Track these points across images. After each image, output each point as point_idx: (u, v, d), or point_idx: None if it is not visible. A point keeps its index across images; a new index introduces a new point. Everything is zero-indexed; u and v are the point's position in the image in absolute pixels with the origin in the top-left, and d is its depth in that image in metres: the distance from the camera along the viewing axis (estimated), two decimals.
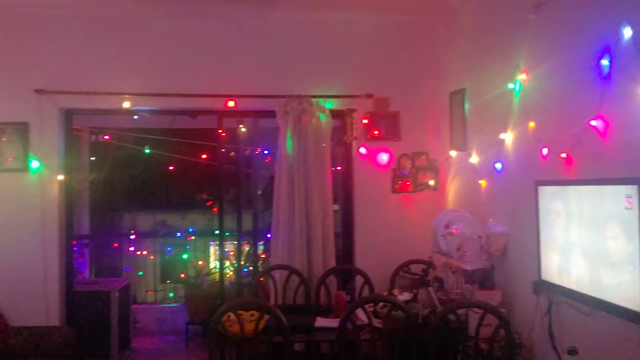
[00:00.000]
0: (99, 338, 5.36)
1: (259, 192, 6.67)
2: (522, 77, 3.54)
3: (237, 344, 3.43)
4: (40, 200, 4.59)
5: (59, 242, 4.65)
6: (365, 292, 4.49)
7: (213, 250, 7.47)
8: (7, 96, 4.57)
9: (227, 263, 6.41)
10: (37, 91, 4.54)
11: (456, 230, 3.88)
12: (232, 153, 5.90)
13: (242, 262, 5.57)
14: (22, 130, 4.57)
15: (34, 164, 4.58)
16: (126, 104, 4.67)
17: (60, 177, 4.66)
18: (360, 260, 4.86)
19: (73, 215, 5.11)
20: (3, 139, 4.59)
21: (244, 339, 3.33)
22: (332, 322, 3.64)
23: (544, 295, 3.20)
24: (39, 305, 4.57)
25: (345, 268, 4.86)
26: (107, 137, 6.30)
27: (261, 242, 6.73)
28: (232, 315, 3.31)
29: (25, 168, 4.58)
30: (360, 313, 3.60)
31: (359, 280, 4.61)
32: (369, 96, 4.88)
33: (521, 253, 3.57)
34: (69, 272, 4.85)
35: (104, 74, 4.67)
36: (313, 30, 4.91)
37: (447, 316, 3.29)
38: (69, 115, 4.81)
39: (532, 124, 3.40)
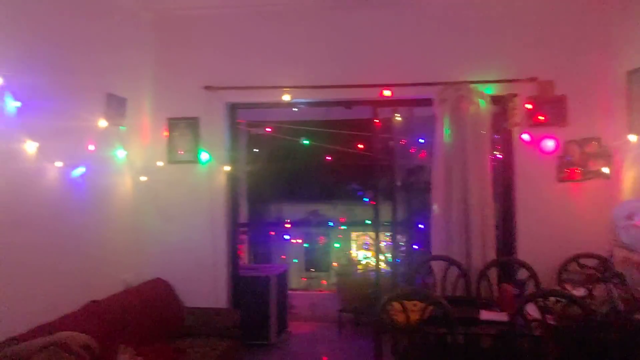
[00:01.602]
0: (259, 321, 5.64)
1: (398, 184, 6.56)
2: None
3: (402, 333, 3.41)
4: (208, 190, 4.90)
5: (225, 229, 4.96)
6: (530, 286, 4.26)
7: (359, 239, 7.53)
8: (180, 94, 4.93)
9: (372, 254, 6.42)
10: (206, 88, 4.85)
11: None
12: (391, 142, 5.88)
13: (393, 253, 5.55)
14: (193, 124, 4.91)
15: (204, 155, 4.90)
16: (286, 97, 4.83)
17: (227, 168, 4.94)
18: (523, 253, 4.62)
19: (238, 204, 5.41)
20: (175, 133, 4.95)
21: (408, 328, 3.30)
22: (500, 316, 3.49)
23: None
24: (209, 289, 4.90)
25: (508, 260, 4.64)
26: (268, 129, 6.58)
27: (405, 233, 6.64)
28: (397, 304, 3.30)
29: (196, 160, 4.91)
30: (530, 308, 3.42)
31: (521, 273, 4.38)
32: (532, 80, 4.61)
33: None
34: (234, 258, 5.14)
35: (266, 69, 4.87)
36: (470, 12, 4.73)
37: (632, 316, 3.01)
38: (234, 109, 5.08)
39: None
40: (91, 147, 4.08)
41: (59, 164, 3.68)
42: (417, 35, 4.77)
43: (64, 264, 3.76)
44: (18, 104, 3.26)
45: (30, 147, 3.41)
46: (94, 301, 3.91)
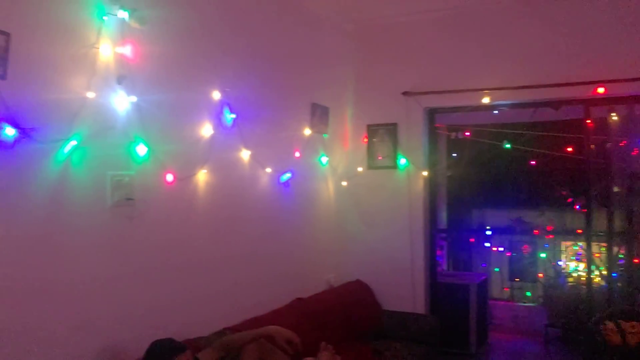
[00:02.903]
0: (458, 330, 5.50)
1: (616, 190, 5.87)
2: None
3: (617, 356, 3.08)
4: (407, 195, 4.94)
5: (424, 235, 4.94)
6: None
7: (569, 250, 6.94)
8: (379, 100, 5.05)
9: (583, 265, 5.87)
10: (405, 93, 4.89)
11: None
12: (609, 144, 5.35)
13: (609, 266, 5.00)
14: (391, 130, 4.98)
15: (402, 161, 4.94)
16: (485, 100, 4.66)
17: (425, 173, 4.93)
18: None
19: (436, 210, 5.36)
20: (374, 139, 5.07)
21: (624, 352, 2.97)
22: None
23: None
24: (407, 293, 4.92)
25: None
26: (467, 133, 6.42)
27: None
28: (612, 324, 2.98)
29: (395, 165, 4.98)
30: None
31: None
32: None
33: None
34: (432, 264, 5.09)
35: (464, 71, 4.76)
36: None
37: None
38: (431, 114, 5.05)
39: None
40: (297, 154, 4.37)
41: (269, 170, 4.00)
42: (635, 24, 4.25)
43: (273, 262, 4.08)
44: (234, 115, 3.62)
45: (245, 154, 3.76)
46: (299, 299, 4.16)
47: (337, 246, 5.01)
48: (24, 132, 2.38)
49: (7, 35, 2.31)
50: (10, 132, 2.33)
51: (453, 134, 6.67)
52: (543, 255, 7.07)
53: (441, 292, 5.24)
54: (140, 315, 2.93)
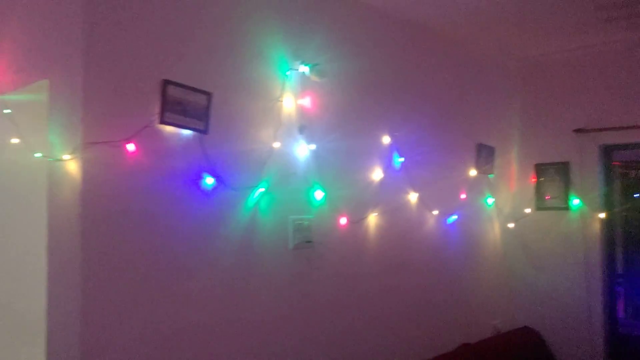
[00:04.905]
0: None
1: None
2: None
3: None
4: (582, 237, 4.62)
5: (602, 281, 4.58)
6: None
7: None
8: (547, 139, 4.82)
9: None
10: (577, 131, 4.64)
11: None
12: None
13: None
14: (562, 169, 4.73)
15: (575, 201, 4.66)
16: None
17: (601, 215, 4.60)
18: None
19: (615, 253, 4.96)
20: (543, 179, 4.84)
21: None
22: None
23: None
24: (583, 343, 4.57)
25: None
26: None
27: None
28: None
29: (566, 206, 4.70)
30: None
31: None
32: None
33: None
34: (612, 312, 4.69)
35: None
36: None
37: None
38: (607, 151, 4.72)
39: None
40: (463, 196, 4.31)
41: (435, 212, 4.00)
42: None
43: (438, 304, 4.04)
44: (402, 159, 3.69)
45: (412, 197, 3.80)
46: (466, 344, 4.06)
47: (503, 290, 4.82)
48: (221, 181, 2.64)
49: (209, 94, 2.61)
50: (209, 181, 2.60)
51: (633, 172, 6.16)
52: None
53: (623, 343, 4.78)
54: (316, 350, 3.06)
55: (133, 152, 2.33)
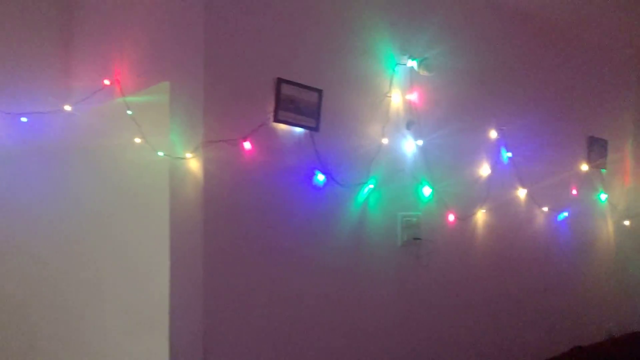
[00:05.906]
0: None
1: None
2: None
3: None
4: None
5: None
6: None
7: None
8: None
9: None
10: None
11: None
12: None
13: None
14: None
15: None
16: None
17: None
18: None
19: None
20: None
21: None
22: None
23: None
24: None
25: None
26: None
27: None
28: None
29: None
30: None
31: None
32: None
33: None
34: None
35: None
36: None
37: None
38: None
39: None
40: (574, 192, 4.10)
41: (545, 208, 3.83)
42: None
43: (548, 304, 3.88)
44: (510, 154, 3.56)
45: (521, 193, 3.66)
46: (579, 347, 3.87)
47: (617, 292, 4.54)
48: (331, 177, 2.66)
49: (320, 92, 2.62)
50: (320, 177, 2.62)
51: None
52: None
53: None
54: (424, 347, 3.02)
55: (249, 150, 2.39)
